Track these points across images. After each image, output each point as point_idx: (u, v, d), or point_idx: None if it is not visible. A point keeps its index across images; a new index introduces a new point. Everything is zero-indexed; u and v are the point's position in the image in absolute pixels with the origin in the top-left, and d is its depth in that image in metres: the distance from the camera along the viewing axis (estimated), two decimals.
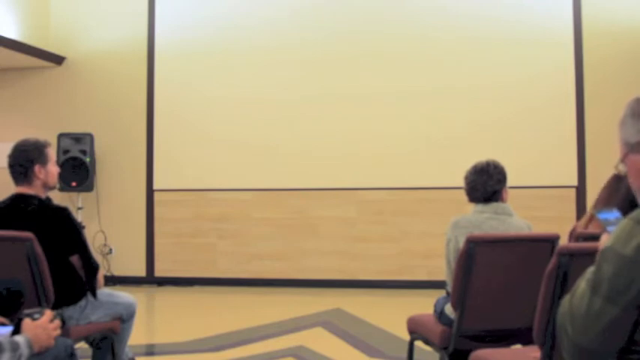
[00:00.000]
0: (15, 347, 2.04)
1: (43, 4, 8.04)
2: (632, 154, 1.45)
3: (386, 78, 7.40)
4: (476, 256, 2.98)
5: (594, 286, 1.33)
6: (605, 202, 3.43)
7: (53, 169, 3.29)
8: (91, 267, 3.27)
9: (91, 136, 7.66)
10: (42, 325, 2.19)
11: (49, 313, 2.25)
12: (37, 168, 3.21)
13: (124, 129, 7.91)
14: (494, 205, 3.29)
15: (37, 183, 3.23)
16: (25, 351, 2.07)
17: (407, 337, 3.63)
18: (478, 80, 7.24)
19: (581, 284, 1.37)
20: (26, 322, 2.17)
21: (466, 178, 3.37)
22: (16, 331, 2.17)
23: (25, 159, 3.20)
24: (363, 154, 7.38)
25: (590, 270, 1.37)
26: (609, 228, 1.54)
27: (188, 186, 7.74)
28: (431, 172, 7.25)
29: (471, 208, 3.37)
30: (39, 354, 2.16)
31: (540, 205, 6.86)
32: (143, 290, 7.43)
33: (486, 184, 3.28)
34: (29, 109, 8.12)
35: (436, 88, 7.31)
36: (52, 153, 3.32)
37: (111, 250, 7.85)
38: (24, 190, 3.23)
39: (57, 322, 2.25)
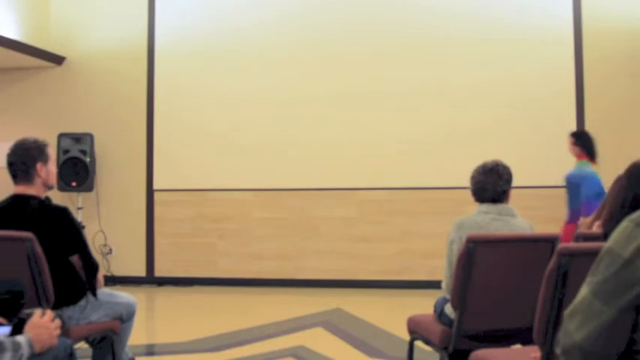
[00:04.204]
0: (17, 347, 2.04)
1: (43, 4, 8.03)
2: None
3: (386, 78, 7.40)
4: (476, 256, 2.97)
5: (594, 289, 1.34)
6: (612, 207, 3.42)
7: (53, 169, 3.30)
8: (91, 267, 3.27)
9: (91, 136, 7.66)
10: (44, 325, 2.19)
11: (49, 313, 2.25)
12: (39, 166, 3.20)
13: (124, 129, 7.91)
14: (499, 207, 3.28)
15: (38, 182, 3.22)
16: (26, 351, 2.07)
17: (407, 337, 3.63)
18: (478, 80, 7.24)
19: (583, 288, 1.37)
20: (28, 322, 2.17)
21: (473, 177, 3.35)
22: (15, 331, 2.17)
23: (27, 157, 3.19)
24: (363, 154, 7.38)
25: (591, 273, 1.37)
26: None
27: (188, 186, 7.74)
28: (431, 172, 7.25)
29: (473, 208, 3.36)
30: (40, 354, 2.16)
31: (540, 205, 6.86)
32: (143, 290, 7.43)
33: (496, 184, 3.27)
34: (29, 109, 8.11)
35: (436, 88, 7.31)
36: (52, 152, 3.31)
37: (111, 250, 7.85)
38: (23, 189, 3.22)
39: (58, 322, 2.25)
